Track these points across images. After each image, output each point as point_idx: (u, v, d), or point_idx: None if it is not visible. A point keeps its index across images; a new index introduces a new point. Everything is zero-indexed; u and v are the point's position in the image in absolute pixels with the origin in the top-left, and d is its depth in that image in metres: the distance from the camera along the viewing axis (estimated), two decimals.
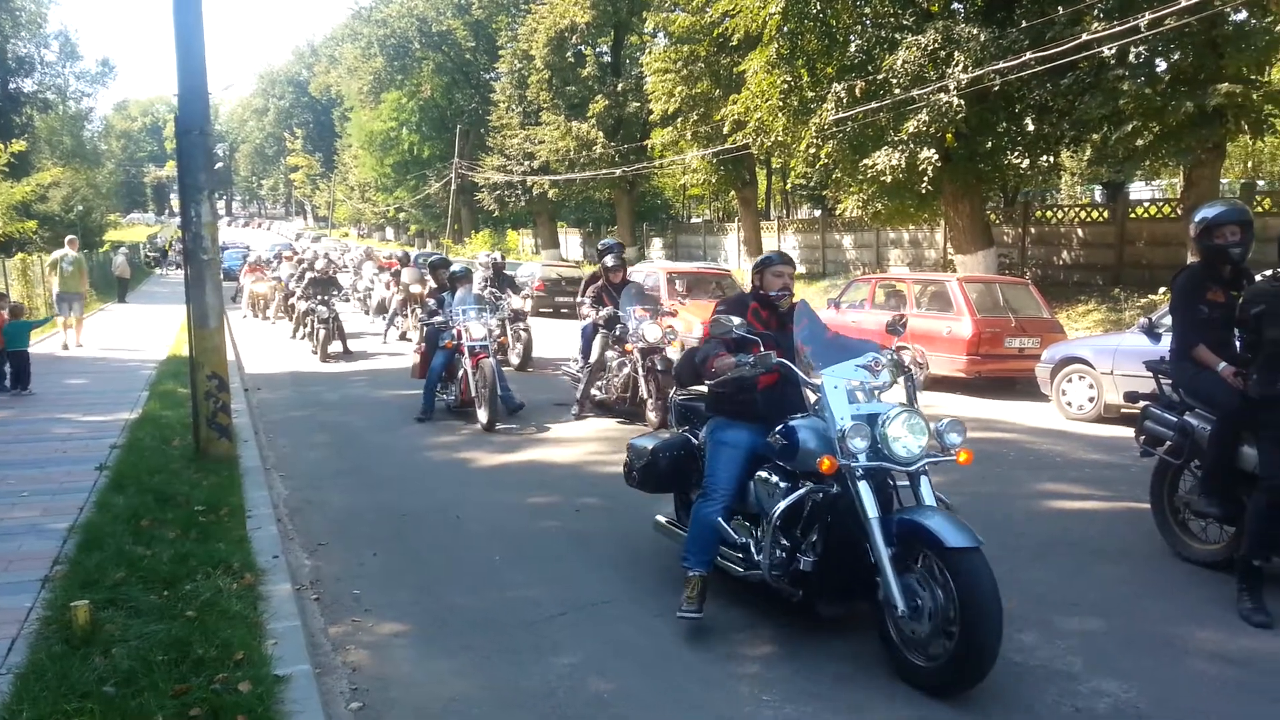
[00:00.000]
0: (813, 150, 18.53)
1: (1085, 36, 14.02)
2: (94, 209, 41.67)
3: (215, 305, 7.68)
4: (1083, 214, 20.51)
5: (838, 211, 23.14)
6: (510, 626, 4.60)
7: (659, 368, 9.40)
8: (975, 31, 15.45)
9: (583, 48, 36.78)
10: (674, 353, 9.80)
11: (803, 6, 17.47)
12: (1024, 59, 14.57)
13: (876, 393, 4.26)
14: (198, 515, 5.85)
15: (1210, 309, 5.27)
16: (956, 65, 15.32)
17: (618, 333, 9.91)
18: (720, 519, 4.56)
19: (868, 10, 17.94)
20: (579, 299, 10.77)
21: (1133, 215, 19.24)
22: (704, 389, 5.19)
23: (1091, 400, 10.15)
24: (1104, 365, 9.98)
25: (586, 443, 9.02)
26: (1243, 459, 5.08)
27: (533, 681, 4.01)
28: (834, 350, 4.45)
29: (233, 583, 4.69)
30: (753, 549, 4.53)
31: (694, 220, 45.89)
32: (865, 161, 17.12)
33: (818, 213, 33.96)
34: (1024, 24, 15.70)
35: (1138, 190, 31.71)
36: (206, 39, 7.62)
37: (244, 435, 8.47)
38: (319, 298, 15.89)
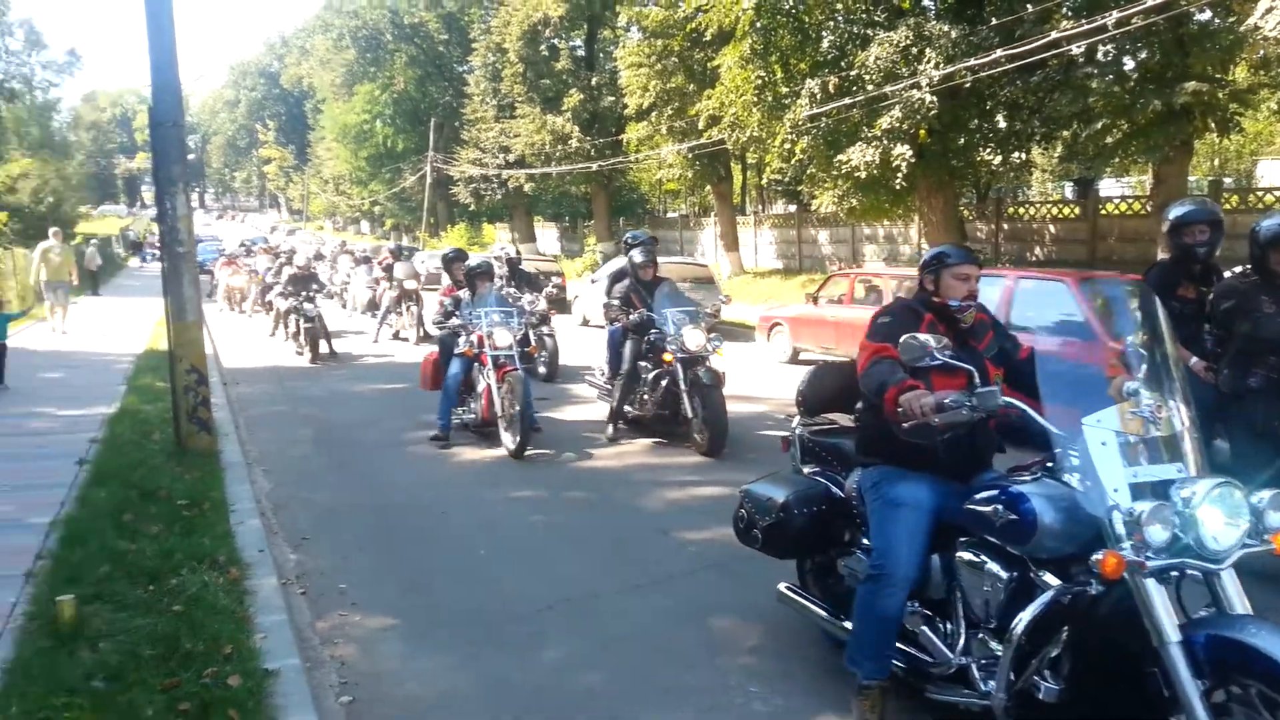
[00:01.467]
0: (787, 146, 18.62)
1: (1054, 35, 14.18)
2: (64, 200, 41.13)
3: (193, 298, 7.67)
4: (1054, 210, 20.76)
5: (813, 207, 23.26)
6: (498, 620, 4.63)
7: (705, 380, 7.99)
8: (946, 28, 15.58)
9: (556, 41, 36.65)
10: (719, 363, 8.52)
11: (775, 2, 17.53)
12: (994, 56, 14.69)
13: (1148, 449, 2.97)
14: (180, 510, 5.84)
15: (1181, 305, 5.38)
16: (928, 62, 15.44)
17: (651, 339, 8.53)
18: (901, 610, 3.47)
19: (840, 6, 18.03)
20: (605, 300, 9.27)
21: (1103, 212, 19.49)
22: (841, 419, 4.31)
23: None
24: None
25: (572, 437, 8.92)
26: (1215, 452, 5.20)
27: (521, 675, 4.04)
28: (1070, 383, 3.21)
29: (218, 577, 4.69)
30: (958, 655, 3.41)
31: (670, 215, 45.92)
32: (840, 157, 17.21)
33: (793, 208, 34.10)
34: (994, 21, 15.85)
35: (1108, 187, 32.12)
36: (177, 30, 7.56)
37: (224, 430, 8.44)
38: (302, 295, 14.71)
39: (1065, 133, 16.90)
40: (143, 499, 6.03)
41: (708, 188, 31.01)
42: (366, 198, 59.65)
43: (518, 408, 7.92)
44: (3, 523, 5.70)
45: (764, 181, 39.52)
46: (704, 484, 7.20)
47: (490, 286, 9.10)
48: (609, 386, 9.29)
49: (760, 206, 39.97)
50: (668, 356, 8.20)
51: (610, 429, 8.77)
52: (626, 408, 8.79)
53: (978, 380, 3.27)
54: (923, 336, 3.29)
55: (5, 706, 3.37)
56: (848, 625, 3.77)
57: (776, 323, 14.11)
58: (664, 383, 8.37)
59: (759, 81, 18.58)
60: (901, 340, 3.32)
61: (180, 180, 7.58)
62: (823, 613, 4.08)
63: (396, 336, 17.03)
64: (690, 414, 8.13)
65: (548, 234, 46.26)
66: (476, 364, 8.59)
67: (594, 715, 3.72)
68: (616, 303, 8.87)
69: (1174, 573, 2.85)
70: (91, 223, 51.28)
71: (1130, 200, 19.68)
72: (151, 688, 3.53)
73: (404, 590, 5.05)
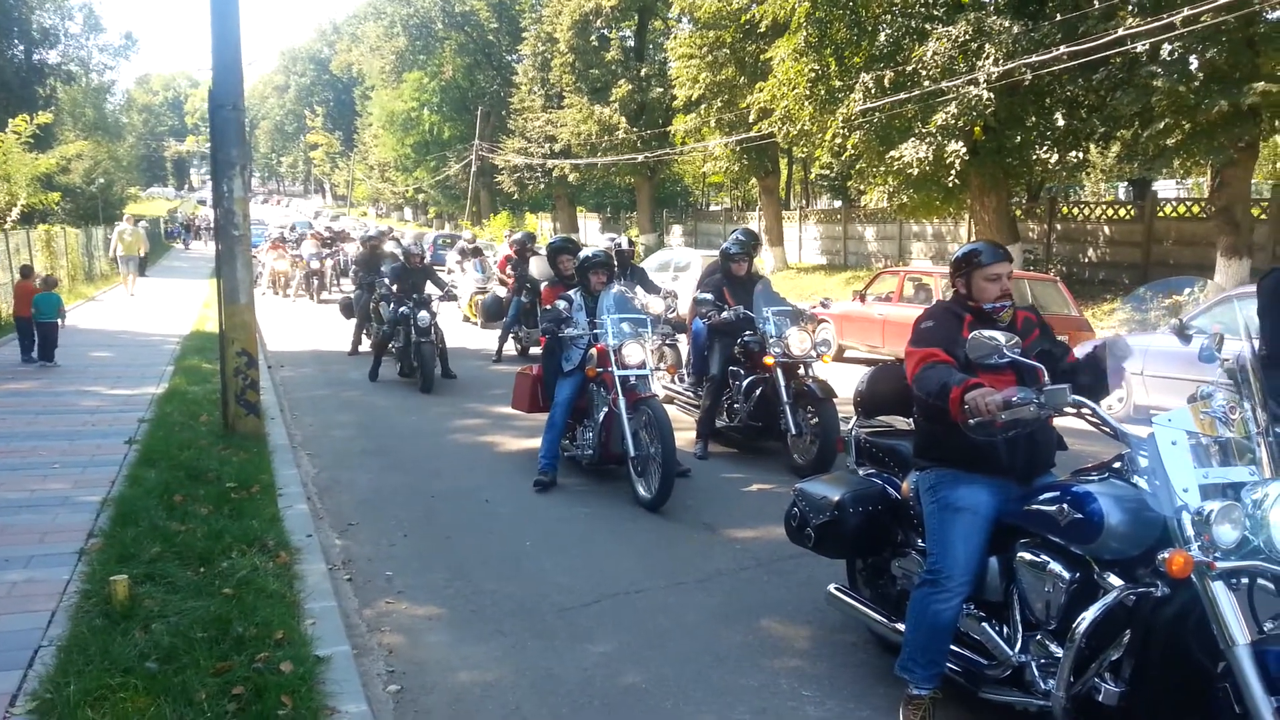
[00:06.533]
0: (839, 140, 18.44)
1: (1120, 32, 13.88)
2: (115, 182, 41.72)
3: (246, 281, 7.71)
4: (1110, 211, 20.35)
5: (862, 203, 23.04)
6: (543, 613, 4.60)
7: (815, 391, 7.14)
8: (1007, 24, 15.34)
9: (607, 31, 36.60)
10: (822, 370, 7.80)
11: None
12: (1056, 53, 14.43)
13: (1220, 450, 2.94)
14: (229, 492, 5.88)
15: None
16: (987, 58, 15.21)
17: (745, 341, 7.63)
18: (956, 616, 3.42)
19: (898, 0, 17.80)
20: (696, 295, 8.14)
21: (1160, 214, 19.07)
22: (898, 421, 4.26)
23: (1120, 400, 10.05)
24: (1133, 366, 9.88)
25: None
26: None
27: (568, 669, 4.01)
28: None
29: (268, 561, 4.71)
30: (1014, 656, 3.34)
31: (713, 208, 45.74)
32: (892, 153, 17.01)
33: (838, 203, 33.81)
34: (1057, 17, 15.55)
35: (1164, 188, 31.45)
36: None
37: (270, 413, 8.49)
38: (413, 297, 10.98)
39: (1125, 132, 16.53)
40: (191, 480, 6.08)
41: (753, 181, 30.83)
42: (410, 185, 60.04)
43: (657, 445, 6.33)
44: (56, 500, 5.76)
45: (811, 176, 39.24)
46: (750, 481, 7.13)
47: (611, 286, 7.30)
48: (692, 394, 8.47)
49: (805, 201, 39.71)
50: (769, 360, 7.32)
51: (700, 446, 7.77)
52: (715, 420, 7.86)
53: (1046, 378, 3.20)
54: (991, 333, 3.25)
55: (63, 684, 3.39)
56: (900, 627, 3.73)
57: (821, 319, 13.91)
58: (759, 391, 7.52)
59: (812, 74, 18.43)
60: (971, 336, 3.29)
61: (238, 163, 7.61)
62: (874, 614, 4.03)
63: (525, 353, 13.22)
64: (793, 428, 7.23)
65: (590, 224, 46.27)
66: (595, 386, 7.00)
67: (643, 713, 3.67)
68: (710, 297, 7.77)
69: (1244, 579, 2.81)
70: (140, 204, 52.07)
71: (1189, 203, 19.20)
72: (204, 670, 3.54)
73: (449, 578, 5.04)
